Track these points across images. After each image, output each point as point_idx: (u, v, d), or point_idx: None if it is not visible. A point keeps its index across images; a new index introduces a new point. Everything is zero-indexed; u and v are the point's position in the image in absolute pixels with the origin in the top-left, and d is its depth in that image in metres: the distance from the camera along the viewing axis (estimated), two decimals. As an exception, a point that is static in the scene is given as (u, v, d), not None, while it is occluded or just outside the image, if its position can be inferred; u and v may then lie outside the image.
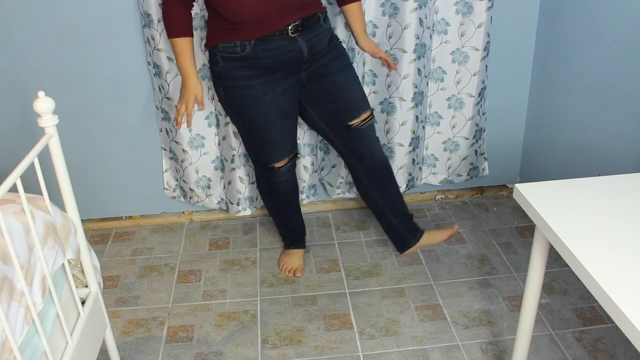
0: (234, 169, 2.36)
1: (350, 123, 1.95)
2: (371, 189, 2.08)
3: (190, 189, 2.42)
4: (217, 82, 1.86)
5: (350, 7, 1.95)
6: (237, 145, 2.30)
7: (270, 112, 1.86)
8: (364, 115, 1.96)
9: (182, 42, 1.79)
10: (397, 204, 2.11)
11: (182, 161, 2.35)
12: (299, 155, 2.11)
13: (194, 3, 1.84)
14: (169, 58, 2.13)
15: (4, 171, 1.36)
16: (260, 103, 1.84)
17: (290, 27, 1.76)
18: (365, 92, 2.31)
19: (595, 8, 1.96)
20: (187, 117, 1.85)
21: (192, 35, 1.82)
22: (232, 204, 2.45)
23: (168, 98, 2.21)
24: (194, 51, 1.83)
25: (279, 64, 1.81)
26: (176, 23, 1.78)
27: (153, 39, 2.10)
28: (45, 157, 1.35)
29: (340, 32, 2.15)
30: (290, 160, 2.02)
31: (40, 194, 1.33)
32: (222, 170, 2.41)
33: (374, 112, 2.36)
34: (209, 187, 2.43)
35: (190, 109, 1.84)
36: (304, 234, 2.29)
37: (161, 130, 2.35)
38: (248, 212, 2.47)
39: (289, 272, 2.20)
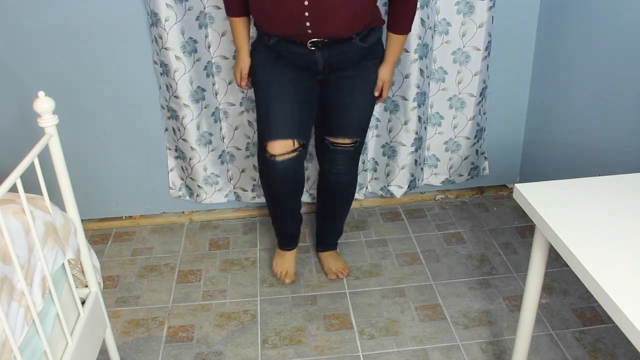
0: (248, 156, 2.39)
1: (325, 136, 1.97)
2: (320, 193, 2.16)
3: (198, 186, 2.43)
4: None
5: (392, 36, 1.86)
6: (251, 134, 2.34)
7: (280, 76, 1.84)
8: (340, 140, 1.93)
9: (235, 20, 1.88)
10: (333, 222, 2.21)
11: (190, 159, 2.36)
12: (304, 146, 1.88)
13: None
14: (176, 57, 2.13)
15: (4, 171, 1.36)
16: (274, 67, 1.86)
17: (308, 43, 1.75)
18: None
19: (595, 8, 1.96)
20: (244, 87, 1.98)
21: (245, 15, 1.87)
22: (245, 191, 2.47)
23: (176, 96, 2.21)
24: (247, 29, 1.90)
25: (294, 62, 1.83)
26: (231, 4, 1.86)
27: (160, 38, 2.11)
28: (45, 157, 1.35)
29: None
30: (292, 152, 1.81)
31: (40, 194, 1.33)
32: (231, 162, 2.42)
33: (375, 114, 2.36)
34: (217, 182, 2.44)
35: (238, 82, 1.96)
36: (296, 235, 2.17)
37: (166, 130, 2.35)
38: (262, 200, 2.48)
39: (279, 275, 2.16)
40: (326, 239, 2.24)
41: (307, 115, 1.89)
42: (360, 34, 1.77)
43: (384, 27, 1.88)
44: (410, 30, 1.87)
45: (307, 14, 1.66)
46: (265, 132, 1.84)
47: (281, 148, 1.80)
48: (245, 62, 1.91)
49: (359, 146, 1.97)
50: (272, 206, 2.06)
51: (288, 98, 1.84)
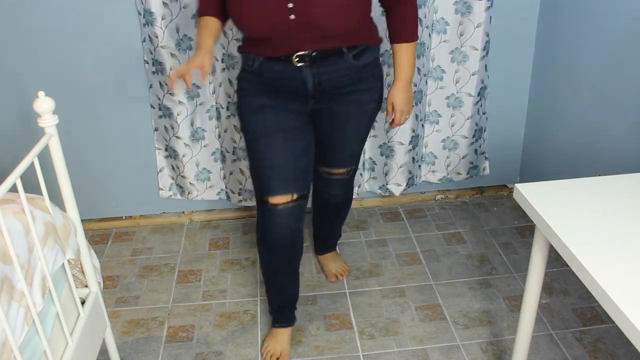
0: (235, 160, 2.38)
1: (319, 167, 1.88)
2: (315, 207, 2.11)
3: (190, 183, 2.43)
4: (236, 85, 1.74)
5: (396, 48, 1.65)
6: (237, 139, 2.32)
7: (271, 124, 1.63)
8: (336, 171, 1.88)
9: (202, 19, 1.63)
10: (331, 230, 2.19)
11: (182, 156, 2.36)
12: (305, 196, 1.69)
13: None
14: (171, 54, 2.14)
15: (4, 171, 1.36)
16: (260, 112, 1.64)
17: (294, 57, 1.54)
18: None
19: (595, 8, 1.96)
20: (184, 77, 1.49)
21: (215, 16, 1.60)
22: (233, 193, 2.47)
23: (171, 94, 2.22)
24: (216, 30, 1.61)
25: (282, 87, 1.62)
26: (201, 3, 1.65)
27: (156, 37, 2.11)
28: (45, 157, 1.35)
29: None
30: (293, 201, 1.64)
31: (40, 194, 1.33)
32: (223, 161, 2.42)
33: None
34: (208, 179, 2.44)
35: (184, 69, 1.48)
36: (293, 307, 1.89)
37: (156, 129, 2.35)
38: (249, 203, 2.48)
39: (270, 357, 1.83)
40: (325, 243, 2.23)
41: (304, 162, 1.68)
42: (353, 49, 1.58)
43: (385, 47, 1.76)
44: (416, 37, 1.66)
45: (290, 5, 1.46)
46: (262, 187, 1.66)
47: (281, 200, 1.63)
48: (205, 58, 1.49)
49: (353, 172, 1.92)
50: (269, 264, 1.80)
51: (282, 149, 1.63)
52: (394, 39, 1.65)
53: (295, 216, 1.66)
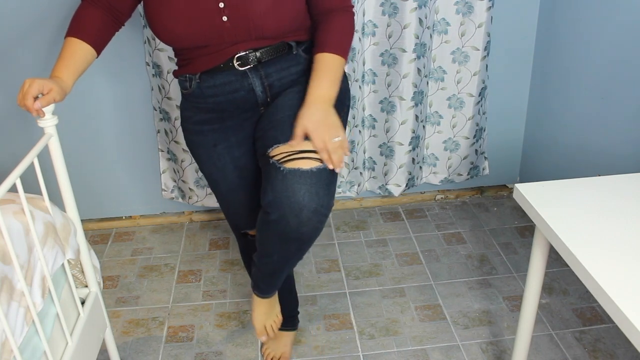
0: None
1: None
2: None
3: (189, 188, 2.42)
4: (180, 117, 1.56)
5: (316, 58, 1.38)
6: None
7: (225, 167, 1.50)
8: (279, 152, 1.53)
9: (70, 42, 1.39)
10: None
11: (181, 161, 2.36)
12: None
13: (123, 18, 1.51)
14: (169, 57, 2.13)
15: (4, 171, 1.36)
16: (212, 154, 1.49)
17: (235, 59, 1.37)
18: (365, 91, 2.32)
19: (596, 8, 1.96)
20: (25, 106, 1.27)
21: (90, 42, 1.40)
22: None
23: (169, 98, 2.21)
24: (83, 62, 1.43)
25: (227, 105, 1.44)
26: (74, 21, 1.40)
27: (154, 39, 2.11)
28: (45, 157, 1.35)
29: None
30: None
31: (40, 194, 1.33)
32: None
33: (372, 115, 2.36)
34: (208, 185, 2.44)
35: (19, 98, 1.27)
36: (294, 315, 1.86)
37: (159, 132, 2.35)
38: None
39: (271, 359, 1.81)
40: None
41: None
42: (302, 44, 1.43)
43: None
44: (341, 53, 1.37)
45: (221, 5, 1.31)
46: (236, 223, 1.63)
47: (254, 233, 1.55)
48: (54, 84, 1.30)
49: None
50: None
51: (244, 189, 1.53)
52: (316, 48, 1.38)
53: None
